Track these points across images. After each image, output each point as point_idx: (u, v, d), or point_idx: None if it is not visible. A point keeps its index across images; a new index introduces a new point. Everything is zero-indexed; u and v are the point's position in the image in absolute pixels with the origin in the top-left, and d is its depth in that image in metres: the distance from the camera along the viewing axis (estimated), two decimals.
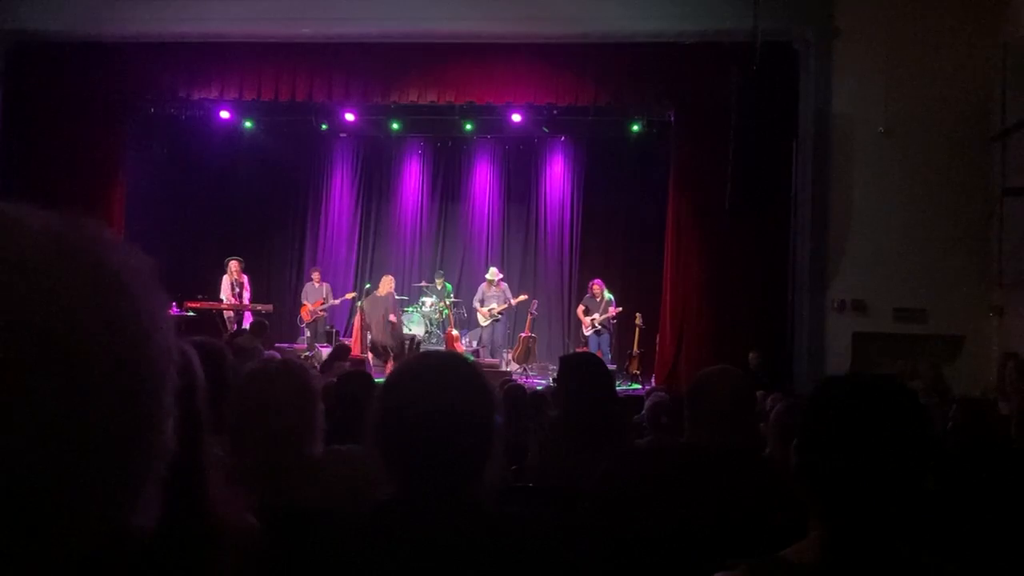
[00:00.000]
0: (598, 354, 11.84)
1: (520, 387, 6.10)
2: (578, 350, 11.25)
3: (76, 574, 0.58)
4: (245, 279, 12.42)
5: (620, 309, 12.35)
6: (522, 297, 12.87)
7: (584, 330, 12.50)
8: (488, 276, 13.04)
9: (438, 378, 1.60)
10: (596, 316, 12.33)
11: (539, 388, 7.87)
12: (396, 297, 12.58)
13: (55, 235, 0.59)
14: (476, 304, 13.04)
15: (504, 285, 13.01)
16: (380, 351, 11.91)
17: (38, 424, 0.54)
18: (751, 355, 9.91)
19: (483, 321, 12.95)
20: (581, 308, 12.63)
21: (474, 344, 13.12)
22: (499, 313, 12.88)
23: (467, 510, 1.52)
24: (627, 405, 6.61)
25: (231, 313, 12.06)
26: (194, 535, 1.40)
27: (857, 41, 10.18)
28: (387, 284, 12.42)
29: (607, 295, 12.44)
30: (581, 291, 13.49)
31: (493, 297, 12.90)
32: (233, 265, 12.27)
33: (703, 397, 2.60)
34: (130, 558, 0.62)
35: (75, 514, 0.56)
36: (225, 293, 12.18)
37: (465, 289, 14.18)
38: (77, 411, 0.55)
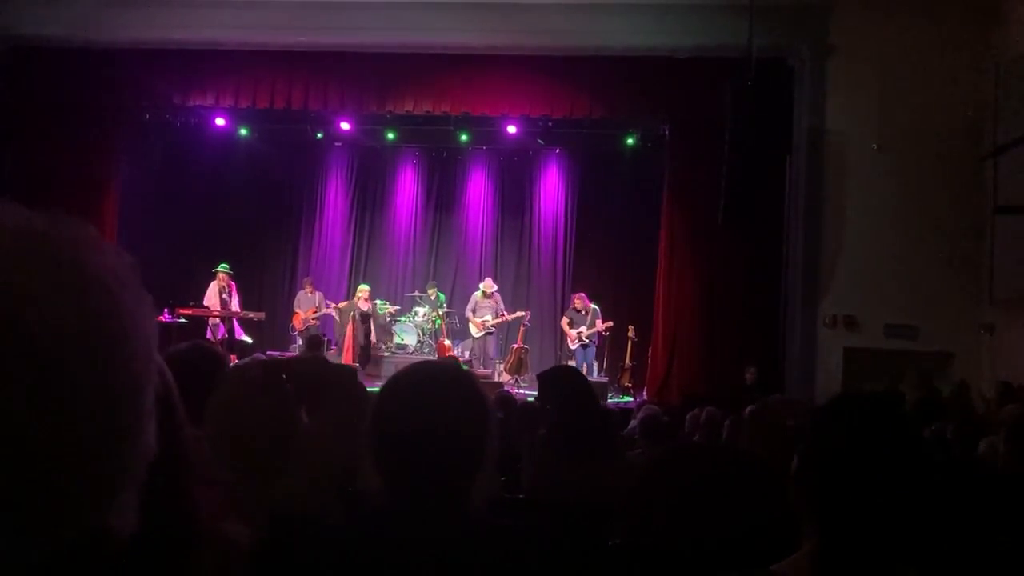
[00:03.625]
0: (583, 367, 11.82)
1: (510, 398, 6.08)
2: (565, 364, 11.17)
3: (54, 574, 0.57)
4: (233, 286, 12.40)
5: (611, 323, 12.23)
6: (519, 314, 12.73)
7: (569, 343, 12.22)
8: (483, 287, 12.98)
9: (434, 387, 1.60)
10: (583, 330, 12.18)
11: (530, 400, 7.83)
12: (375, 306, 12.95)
13: (36, 234, 0.58)
14: (468, 313, 12.98)
15: (498, 297, 12.97)
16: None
17: (12, 422, 0.53)
18: (748, 370, 9.88)
19: (476, 332, 12.88)
20: (565, 320, 12.33)
21: (466, 355, 13.08)
22: (492, 326, 12.83)
23: (458, 520, 1.52)
24: (619, 417, 6.60)
25: (215, 320, 12.02)
26: (175, 539, 1.39)
27: (851, 58, 10.25)
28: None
29: (592, 307, 12.30)
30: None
31: (486, 308, 12.83)
32: (221, 274, 12.27)
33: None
34: (109, 560, 0.61)
35: (49, 514, 0.55)
36: (211, 301, 12.12)
37: (458, 300, 14.16)
38: (53, 410, 0.54)
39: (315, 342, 10.81)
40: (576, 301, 12.28)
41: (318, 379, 2.37)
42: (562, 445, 3.13)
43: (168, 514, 1.36)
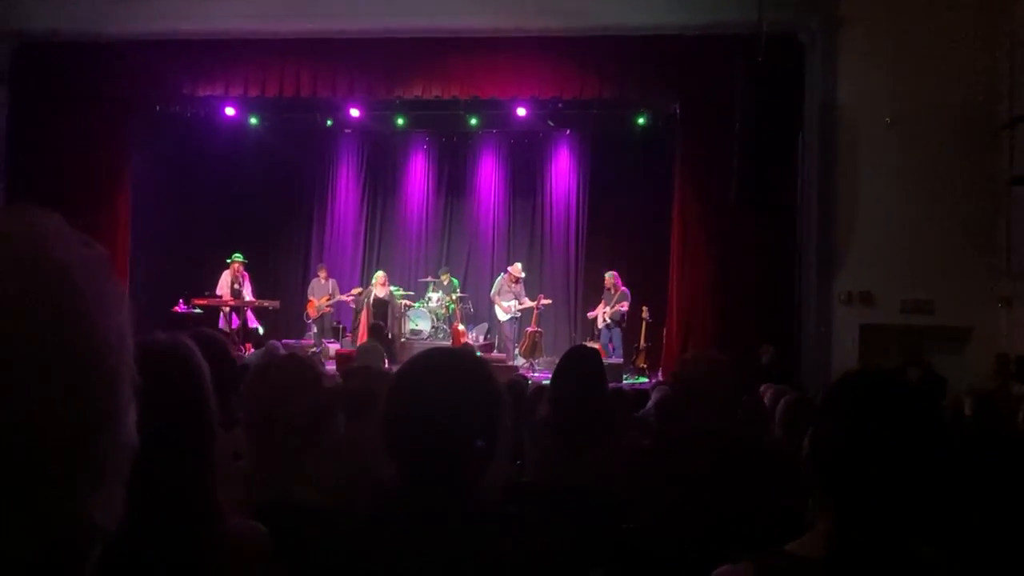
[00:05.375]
0: (609, 348, 11.88)
1: (520, 383, 6.07)
2: (586, 344, 11.16)
3: (32, 571, 0.56)
4: (246, 276, 12.45)
5: (626, 304, 12.29)
6: (539, 302, 12.73)
7: (598, 323, 12.46)
8: (511, 270, 12.97)
9: (446, 375, 1.60)
10: (607, 310, 12.28)
11: (544, 383, 7.82)
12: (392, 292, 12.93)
13: None
14: (495, 296, 13.00)
15: (522, 284, 12.96)
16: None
17: None
18: (765, 348, 9.82)
19: (503, 316, 12.89)
20: (603, 302, 12.58)
21: (480, 339, 13.10)
22: (519, 310, 12.84)
23: (468, 507, 1.52)
24: (632, 399, 6.59)
25: (227, 309, 12.08)
26: (199, 540, 1.39)
27: (863, 32, 10.12)
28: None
29: (622, 289, 12.31)
30: (587, 285, 13.47)
31: (509, 292, 12.83)
32: (235, 264, 12.33)
33: (707, 384, 2.66)
34: (92, 557, 0.61)
35: (25, 509, 0.55)
36: (223, 290, 12.19)
37: (471, 284, 14.18)
38: (21, 404, 0.54)
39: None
40: (606, 279, 12.37)
41: (370, 392, 2.38)
42: (558, 430, 3.12)
43: (190, 509, 1.37)
